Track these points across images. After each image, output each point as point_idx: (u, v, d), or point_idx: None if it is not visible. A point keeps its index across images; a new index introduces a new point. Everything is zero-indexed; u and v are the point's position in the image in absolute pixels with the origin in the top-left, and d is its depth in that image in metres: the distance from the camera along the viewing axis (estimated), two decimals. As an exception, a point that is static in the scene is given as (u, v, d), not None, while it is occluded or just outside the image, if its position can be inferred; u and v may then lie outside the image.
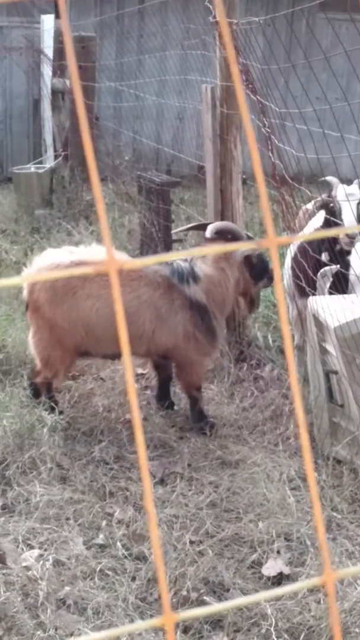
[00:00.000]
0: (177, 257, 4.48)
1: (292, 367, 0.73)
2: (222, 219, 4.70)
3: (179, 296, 4.13)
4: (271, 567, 3.17)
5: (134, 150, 9.43)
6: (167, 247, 6.27)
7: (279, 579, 3.12)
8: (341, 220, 3.91)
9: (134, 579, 3.05)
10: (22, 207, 8.13)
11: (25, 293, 4.20)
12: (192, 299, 4.12)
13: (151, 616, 2.90)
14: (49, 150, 9.42)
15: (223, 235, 4.20)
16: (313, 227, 4.26)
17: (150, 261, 0.67)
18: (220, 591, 3.04)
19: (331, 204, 4.03)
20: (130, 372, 0.68)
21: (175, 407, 4.47)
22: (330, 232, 3.63)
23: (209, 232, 4.22)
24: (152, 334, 4.06)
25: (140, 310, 4.04)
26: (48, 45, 9.18)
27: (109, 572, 3.07)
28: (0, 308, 5.54)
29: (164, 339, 4.13)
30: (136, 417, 0.63)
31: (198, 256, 4.22)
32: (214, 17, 4.11)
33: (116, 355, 4.31)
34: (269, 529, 3.34)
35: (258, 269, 4.30)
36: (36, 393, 4.27)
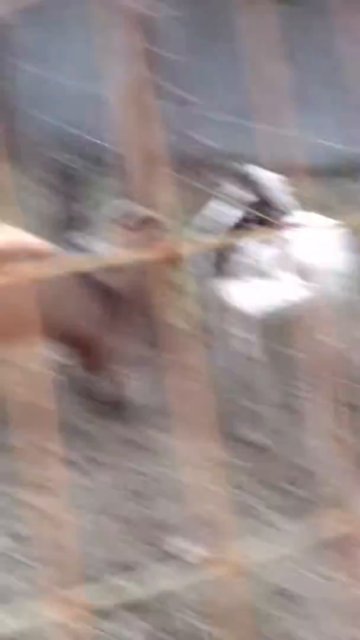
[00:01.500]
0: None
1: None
2: (141, 206, 4.70)
3: (92, 283, 4.12)
4: (181, 550, 3.21)
5: (49, 135, 9.30)
6: (81, 232, 6.23)
7: (190, 562, 3.18)
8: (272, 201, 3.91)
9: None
10: None
11: None
12: (105, 287, 4.12)
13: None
14: None
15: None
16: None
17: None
18: (129, 572, 3.07)
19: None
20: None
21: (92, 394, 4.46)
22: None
23: (121, 214, 4.18)
24: (68, 320, 4.04)
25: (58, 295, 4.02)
26: None
27: None
28: None
29: (78, 325, 4.12)
30: None
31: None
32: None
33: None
34: (181, 512, 3.39)
35: None
36: None
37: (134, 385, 4.60)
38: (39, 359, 4.71)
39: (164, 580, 3.08)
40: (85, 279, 4.10)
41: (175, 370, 4.69)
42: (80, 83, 8.83)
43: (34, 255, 4.00)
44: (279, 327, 4.12)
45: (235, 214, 4.27)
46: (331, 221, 4.02)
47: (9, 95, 7.90)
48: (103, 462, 3.81)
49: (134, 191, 4.85)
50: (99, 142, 7.33)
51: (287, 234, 3.99)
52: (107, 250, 4.16)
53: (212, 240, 4.29)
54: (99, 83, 8.91)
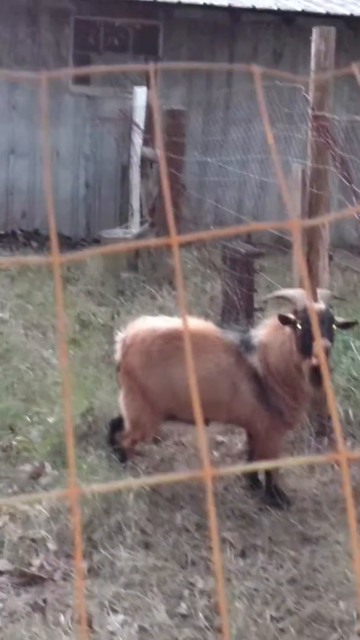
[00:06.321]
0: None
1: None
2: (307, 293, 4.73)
3: (244, 365, 4.16)
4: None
5: (215, 217, 9.68)
6: (249, 315, 6.40)
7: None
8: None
9: (215, 651, 3.08)
10: (108, 270, 8.43)
11: (118, 355, 4.35)
12: (253, 368, 4.15)
13: None
14: (135, 215, 9.75)
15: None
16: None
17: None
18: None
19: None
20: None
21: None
22: None
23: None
24: (229, 401, 4.15)
25: (220, 377, 4.15)
26: (140, 115, 9.61)
27: (191, 643, 3.13)
28: (87, 370, 5.72)
29: (238, 407, 4.20)
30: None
31: (262, 325, 4.28)
32: (312, 108, 4.30)
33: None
34: (349, 609, 3.35)
35: (302, 345, 3.93)
36: (123, 457, 4.39)
37: (295, 472, 4.60)
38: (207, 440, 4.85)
39: None
40: (241, 361, 4.16)
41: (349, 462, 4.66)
42: (243, 167, 9.18)
43: (199, 336, 4.13)
44: None
45: None
46: None
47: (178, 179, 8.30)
48: (267, 550, 3.82)
49: (297, 276, 4.95)
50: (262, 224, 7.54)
51: None
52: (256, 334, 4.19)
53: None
54: (262, 166, 9.23)
